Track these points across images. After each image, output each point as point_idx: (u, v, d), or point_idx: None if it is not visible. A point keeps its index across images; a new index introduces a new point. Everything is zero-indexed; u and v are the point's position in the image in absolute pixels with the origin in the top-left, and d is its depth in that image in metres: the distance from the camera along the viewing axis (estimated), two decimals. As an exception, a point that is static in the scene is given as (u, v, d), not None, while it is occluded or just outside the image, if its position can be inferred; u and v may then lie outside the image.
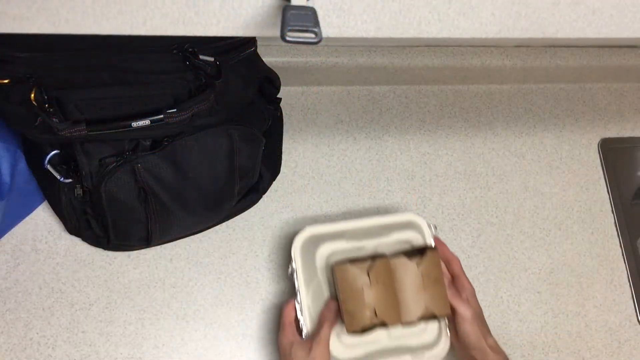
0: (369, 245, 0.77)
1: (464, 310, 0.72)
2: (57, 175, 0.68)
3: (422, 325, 0.75)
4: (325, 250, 0.76)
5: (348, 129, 0.95)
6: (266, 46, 0.87)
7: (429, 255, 0.72)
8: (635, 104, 1.09)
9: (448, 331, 0.76)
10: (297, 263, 0.75)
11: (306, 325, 0.73)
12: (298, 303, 0.74)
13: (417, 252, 0.75)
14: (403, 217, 0.80)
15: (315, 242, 0.76)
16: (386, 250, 0.77)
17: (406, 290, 0.71)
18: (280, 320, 0.74)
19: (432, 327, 0.76)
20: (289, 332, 0.72)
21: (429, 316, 0.71)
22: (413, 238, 0.78)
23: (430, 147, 0.97)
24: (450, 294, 0.73)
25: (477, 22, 0.48)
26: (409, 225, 0.79)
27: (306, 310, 0.73)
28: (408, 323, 0.71)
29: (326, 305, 0.73)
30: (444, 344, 0.75)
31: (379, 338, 0.74)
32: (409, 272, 0.71)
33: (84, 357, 0.75)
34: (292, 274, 0.75)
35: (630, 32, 0.51)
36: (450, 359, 0.78)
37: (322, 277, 0.75)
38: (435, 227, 0.81)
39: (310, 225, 0.77)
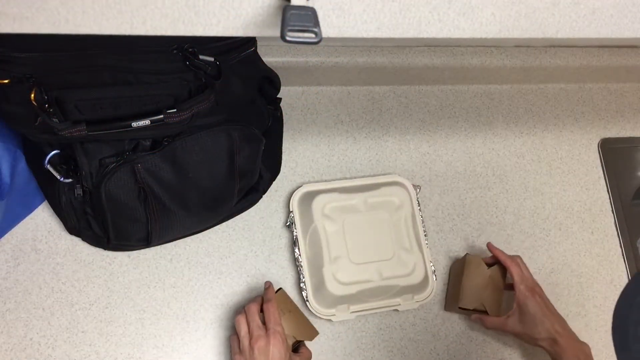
0: (359, 198, 0.85)
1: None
2: (57, 175, 0.68)
3: (410, 269, 0.83)
4: (320, 202, 0.83)
5: (348, 129, 0.95)
6: (266, 46, 0.87)
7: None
8: (635, 104, 1.09)
9: (435, 276, 0.85)
10: (295, 214, 0.83)
11: (304, 271, 0.81)
12: (298, 250, 0.82)
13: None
14: (390, 178, 0.89)
15: (311, 196, 0.84)
16: (374, 200, 0.85)
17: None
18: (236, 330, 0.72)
19: (420, 270, 0.83)
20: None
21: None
22: (398, 192, 0.86)
23: (430, 147, 0.97)
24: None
25: (477, 22, 0.48)
26: (395, 184, 0.88)
27: (304, 256, 0.82)
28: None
29: (265, 289, 0.76)
30: (431, 287, 0.84)
31: (371, 278, 0.81)
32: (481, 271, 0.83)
33: (84, 357, 0.75)
34: (290, 225, 0.83)
35: (630, 32, 0.51)
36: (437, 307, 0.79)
37: (318, 224, 0.82)
38: (420, 188, 0.89)
39: (307, 183, 0.86)
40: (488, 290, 0.81)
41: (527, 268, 0.82)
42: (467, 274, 0.82)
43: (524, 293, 0.77)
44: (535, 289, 0.79)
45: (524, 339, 0.79)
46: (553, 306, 0.80)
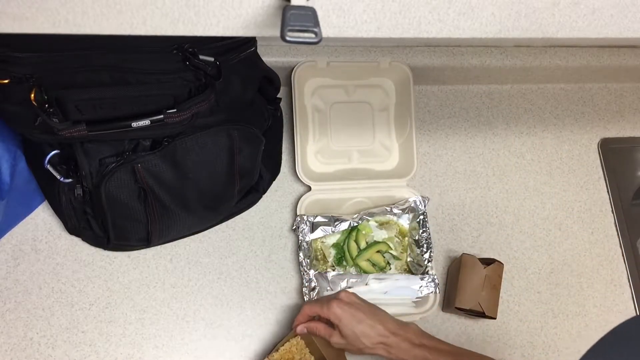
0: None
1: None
2: (57, 175, 0.68)
3: (385, 155, 0.91)
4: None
5: (348, 129, 0.95)
6: (266, 46, 0.87)
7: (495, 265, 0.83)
8: (635, 104, 1.09)
9: (437, 289, 0.82)
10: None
11: (308, 275, 0.81)
12: (302, 254, 0.81)
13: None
14: (398, 192, 0.89)
15: (320, 202, 0.86)
16: (374, 193, 0.88)
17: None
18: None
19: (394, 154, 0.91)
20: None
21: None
22: (402, 193, 0.89)
23: (430, 147, 0.97)
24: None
25: (477, 22, 0.48)
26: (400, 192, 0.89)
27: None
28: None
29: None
30: (432, 300, 0.83)
31: (350, 159, 0.90)
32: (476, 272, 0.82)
33: (84, 357, 0.75)
34: (296, 229, 0.83)
35: (630, 32, 0.51)
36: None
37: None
38: (428, 199, 0.88)
39: (315, 189, 0.86)
40: (485, 290, 0.81)
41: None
42: (463, 274, 0.82)
43: (335, 314, 0.71)
44: (344, 302, 0.72)
45: (353, 352, 0.73)
46: (370, 307, 0.73)
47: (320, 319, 0.73)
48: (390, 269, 0.86)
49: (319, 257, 0.85)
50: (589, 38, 0.53)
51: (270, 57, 0.87)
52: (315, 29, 0.40)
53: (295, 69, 0.87)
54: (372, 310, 0.72)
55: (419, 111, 0.98)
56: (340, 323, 0.70)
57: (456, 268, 0.84)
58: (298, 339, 0.75)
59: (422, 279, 0.82)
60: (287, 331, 0.79)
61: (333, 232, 0.84)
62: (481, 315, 0.81)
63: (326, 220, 0.84)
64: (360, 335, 0.70)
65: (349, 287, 0.80)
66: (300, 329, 0.74)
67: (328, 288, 0.80)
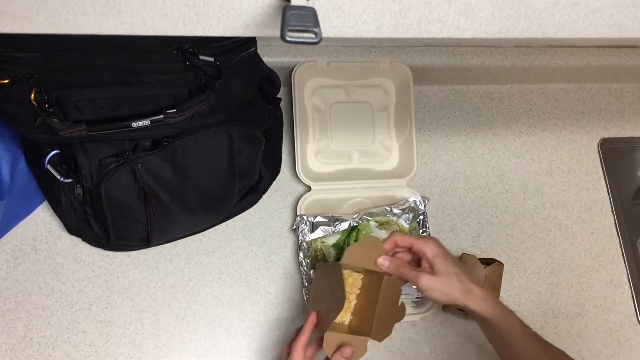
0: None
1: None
2: (57, 175, 0.68)
3: (385, 155, 0.91)
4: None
5: (348, 129, 0.95)
6: (266, 46, 0.87)
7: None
8: (635, 104, 1.09)
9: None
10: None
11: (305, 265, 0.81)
12: (302, 254, 0.82)
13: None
14: (398, 192, 0.89)
15: (320, 202, 0.86)
16: (373, 194, 0.88)
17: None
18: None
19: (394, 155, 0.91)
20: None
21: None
22: (402, 193, 0.89)
23: (430, 147, 0.97)
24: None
25: (477, 22, 0.48)
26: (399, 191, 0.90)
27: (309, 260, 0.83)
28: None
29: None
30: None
31: (350, 159, 0.90)
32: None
33: (84, 357, 0.75)
34: (296, 229, 0.83)
35: (630, 32, 0.51)
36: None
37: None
38: (428, 199, 0.88)
39: (315, 189, 0.87)
40: (485, 289, 0.80)
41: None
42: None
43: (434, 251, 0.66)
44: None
45: (439, 297, 0.66)
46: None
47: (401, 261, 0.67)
48: None
49: (319, 257, 0.85)
50: (589, 38, 0.53)
51: (270, 57, 0.87)
52: (315, 29, 0.40)
53: (295, 69, 0.87)
54: (458, 260, 0.68)
55: (419, 111, 0.98)
56: (436, 259, 0.65)
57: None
58: (359, 277, 0.68)
59: None
60: (287, 331, 0.79)
61: (333, 232, 0.84)
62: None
63: (326, 220, 0.84)
64: (454, 275, 0.65)
65: None
66: (382, 260, 0.65)
67: None
